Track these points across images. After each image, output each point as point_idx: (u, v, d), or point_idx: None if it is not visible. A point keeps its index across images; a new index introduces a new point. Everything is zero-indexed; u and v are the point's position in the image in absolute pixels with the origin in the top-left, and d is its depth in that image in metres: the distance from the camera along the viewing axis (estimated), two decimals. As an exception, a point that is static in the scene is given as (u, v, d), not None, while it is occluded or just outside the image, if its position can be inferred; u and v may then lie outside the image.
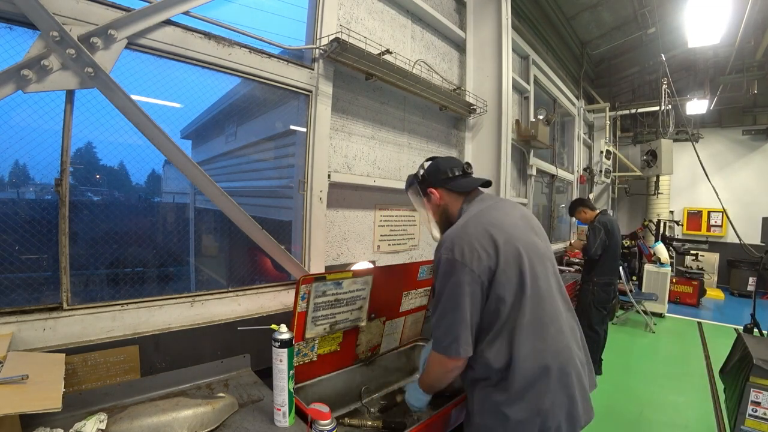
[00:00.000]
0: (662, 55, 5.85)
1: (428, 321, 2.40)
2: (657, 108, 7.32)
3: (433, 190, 1.45)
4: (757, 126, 8.66)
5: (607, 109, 7.46)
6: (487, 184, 1.48)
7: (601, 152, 7.33)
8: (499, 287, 1.18)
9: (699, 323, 6.05)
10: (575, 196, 6.28)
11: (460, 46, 3.36)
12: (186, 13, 1.61)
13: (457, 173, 1.43)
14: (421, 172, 1.49)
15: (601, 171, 7.34)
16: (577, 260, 5.49)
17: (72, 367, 1.29)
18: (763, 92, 7.28)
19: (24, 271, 1.38)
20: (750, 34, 5.62)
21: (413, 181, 1.52)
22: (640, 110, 8.39)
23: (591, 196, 6.91)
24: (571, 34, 6.08)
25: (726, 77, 6.81)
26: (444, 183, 1.43)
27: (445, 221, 1.44)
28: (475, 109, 3.16)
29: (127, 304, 1.50)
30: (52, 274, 1.39)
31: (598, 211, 4.02)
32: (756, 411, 2.39)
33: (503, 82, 3.22)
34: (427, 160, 1.53)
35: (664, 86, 6.73)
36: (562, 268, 4.81)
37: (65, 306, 1.37)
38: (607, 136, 7.68)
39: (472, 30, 3.36)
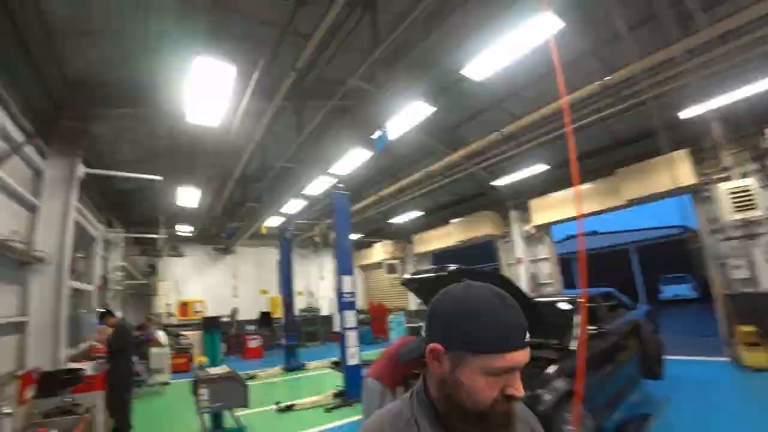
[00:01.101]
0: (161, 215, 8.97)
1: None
2: (155, 236, 10.42)
3: None
4: (220, 245, 13.90)
5: (122, 233, 9.70)
6: None
7: (116, 267, 9.35)
8: None
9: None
10: (96, 302, 7.77)
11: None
12: None
13: None
14: None
15: (115, 281, 9.26)
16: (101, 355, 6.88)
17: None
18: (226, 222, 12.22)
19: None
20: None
21: None
22: (144, 236, 11.23)
23: (108, 300, 8.58)
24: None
25: (203, 220, 11.03)
26: None
27: None
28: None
29: None
30: None
31: (119, 317, 5.59)
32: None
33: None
34: None
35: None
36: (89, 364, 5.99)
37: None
38: (120, 252, 9.81)
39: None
